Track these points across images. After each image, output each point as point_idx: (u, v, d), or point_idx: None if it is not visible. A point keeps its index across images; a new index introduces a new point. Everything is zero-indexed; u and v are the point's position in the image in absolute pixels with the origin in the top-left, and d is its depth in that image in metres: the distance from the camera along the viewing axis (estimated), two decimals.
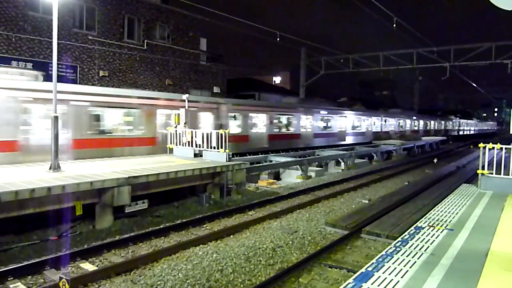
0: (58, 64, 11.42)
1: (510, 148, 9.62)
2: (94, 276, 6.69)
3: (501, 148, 9.53)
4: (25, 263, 6.99)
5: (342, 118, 29.56)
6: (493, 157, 9.29)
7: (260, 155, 19.44)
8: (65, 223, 9.03)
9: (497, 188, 9.35)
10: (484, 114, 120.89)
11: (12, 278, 6.58)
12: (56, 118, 10.04)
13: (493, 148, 9.47)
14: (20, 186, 7.82)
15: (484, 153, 9.46)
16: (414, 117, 45.21)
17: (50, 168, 10.00)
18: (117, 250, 8.11)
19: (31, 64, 15.74)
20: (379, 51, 26.17)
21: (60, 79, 15.50)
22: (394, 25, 21.59)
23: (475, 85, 39.74)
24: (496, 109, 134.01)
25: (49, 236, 8.62)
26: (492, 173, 9.56)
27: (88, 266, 7.25)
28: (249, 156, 18.61)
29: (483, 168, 9.52)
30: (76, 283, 6.29)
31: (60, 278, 5.71)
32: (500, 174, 9.43)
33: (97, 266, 7.30)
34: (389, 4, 19.94)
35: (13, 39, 15.40)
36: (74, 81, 17.12)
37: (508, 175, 9.35)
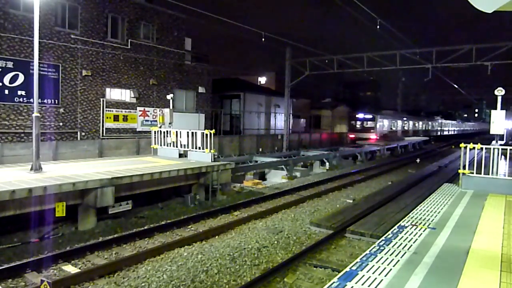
0: (39, 63, 11.22)
1: (490, 148, 9.83)
2: (76, 278, 6.58)
3: (481, 148, 9.73)
4: (6, 266, 6.84)
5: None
6: (474, 157, 9.48)
7: (245, 155, 19.44)
8: (47, 225, 8.87)
9: (477, 187, 9.54)
10: (466, 115, 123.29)
11: None
12: (37, 118, 9.86)
13: (474, 148, 9.66)
14: None
15: (465, 153, 9.64)
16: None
17: (31, 169, 9.81)
18: (101, 252, 8.00)
19: (12, 63, 15.40)
20: (363, 53, 26.38)
21: (42, 78, 15.24)
22: (378, 27, 21.81)
23: (456, 86, 40.41)
24: (476, 110, 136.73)
25: (31, 238, 8.45)
26: (473, 173, 9.76)
27: (70, 269, 7.13)
28: (234, 157, 18.61)
29: (464, 167, 9.70)
30: (59, 286, 6.18)
31: (42, 281, 5.60)
32: (480, 173, 9.63)
33: (80, 268, 7.19)
34: (373, 6, 20.14)
35: None
36: (56, 81, 16.83)
37: (488, 174, 9.55)
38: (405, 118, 46.24)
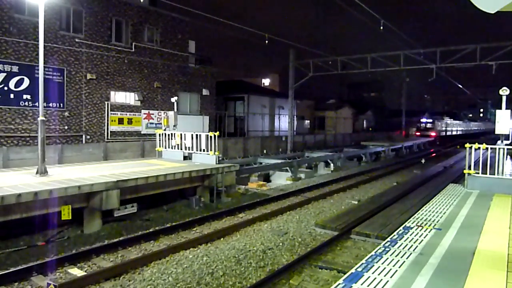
0: (44, 67, 11.30)
1: (496, 148, 9.78)
2: (82, 281, 6.61)
3: (487, 148, 9.68)
4: (12, 269, 6.87)
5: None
6: (479, 157, 9.43)
7: (250, 157, 19.46)
8: (52, 228, 8.92)
9: (483, 187, 9.49)
10: (470, 115, 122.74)
11: None
12: (42, 121, 9.92)
13: (479, 148, 9.61)
14: (6, 191, 7.70)
15: (470, 153, 9.59)
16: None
17: (37, 173, 9.87)
18: (106, 255, 8.03)
19: (17, 67, 15.52)
20: (366, 54, 26.32)
21: (47, 82, 15.33)
22: (381, 28, 21.76)
23: (461, 86, 40.24)
24: (481, 110, 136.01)
25: (37, 241, 8.50)
26: (478, 173, 9.71)
27: (76, 272, 7.16)
28: (238, 159, 18.63)
29: (469, 168, 9.65)
30: None
31: (48, 284, 5.63)
32: (486, 173, 9.58)
33: (85, 271, 7.22)
34: (377, 7, 20.10)
35: None
36: (61, 84, 16.93)
37: (494, 174, 9.50)
38: (449, 121, 63.29)
